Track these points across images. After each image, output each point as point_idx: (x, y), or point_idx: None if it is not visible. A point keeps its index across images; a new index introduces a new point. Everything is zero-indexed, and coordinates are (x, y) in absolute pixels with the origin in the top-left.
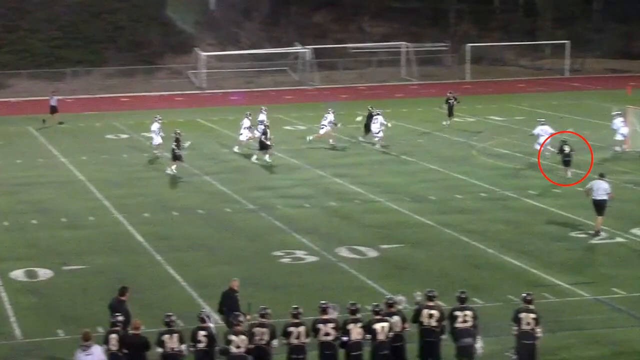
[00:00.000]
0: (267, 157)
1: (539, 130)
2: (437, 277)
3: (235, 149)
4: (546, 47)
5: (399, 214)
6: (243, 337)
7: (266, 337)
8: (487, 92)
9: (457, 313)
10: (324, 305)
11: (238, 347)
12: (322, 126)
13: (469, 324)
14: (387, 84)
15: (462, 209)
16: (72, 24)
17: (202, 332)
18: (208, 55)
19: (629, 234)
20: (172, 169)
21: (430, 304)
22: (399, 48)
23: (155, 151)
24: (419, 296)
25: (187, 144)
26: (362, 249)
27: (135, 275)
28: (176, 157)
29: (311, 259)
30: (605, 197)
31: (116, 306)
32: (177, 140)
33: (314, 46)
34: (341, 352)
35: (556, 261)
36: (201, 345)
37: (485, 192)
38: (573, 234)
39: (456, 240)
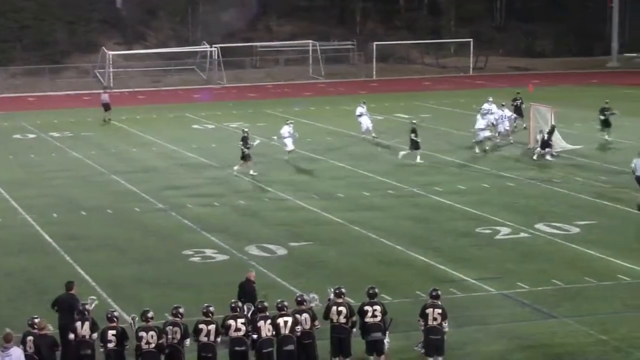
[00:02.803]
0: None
1: (359, 110)
2: (346, 274)
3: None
4: (450, 45)
5: (308, 212)
6: (153, 332)
7: (178, 336)
8: (393, 90)
9: (367, 308)
10: (233, 305)
11: (148, 343)
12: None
13: (378, 318)
14: (295, 82)
15: (370, 206)
16: None
17: (112, 332)
18: (115, 54)
19: (533, 229)
20: (240, 169)
21: (339, 300)
22: (307, 47)
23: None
24: (332, 293)
25: (255, 142)
26: (272, 247)
27: (45, 276)
28: (245, 157)
29: (221, 257)
30: None
31: (69, 301)
32: (244, 139)
33: (221, 45)
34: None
35: (463, 257)
36: (111, 345)
37: (393, 189)
38: (479, 229)
39: (364, 237)
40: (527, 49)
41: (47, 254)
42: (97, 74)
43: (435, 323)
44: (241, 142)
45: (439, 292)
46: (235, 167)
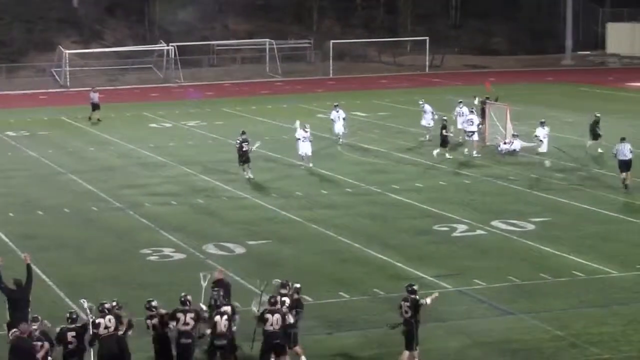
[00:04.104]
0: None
1: (332, 115)
2: (304, 272)
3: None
4: (407, 43)
5: (266, 210)
6: (110, 317)
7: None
8: (350, 88)
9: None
10: (182, 299)
11: (106, 327)
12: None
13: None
14: (252, 80)
15: (328, 205)
16: None
17: (71, 333)
18: (71, 53)
19: (489, 226)
20: (249, 172)
21: (283, 291)
22: (263, 45)
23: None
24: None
25: (256, 144)
26: (230, 245)
27: (1, 276)
28: (247, 159)
29: (179, 256)
30: (630, 157)
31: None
32: (247, 141)
33: (178, 43)
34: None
35: (420, 254)
36: (71, 346)
37: (351, 187)
38: (436, 227)
39: (323, 236)
40: (482, 47)
41: (4, 254)
42: (54, 73)
43: (407, 316)
44: (246, 143)
45: (414, 288)
46: (249, 173)
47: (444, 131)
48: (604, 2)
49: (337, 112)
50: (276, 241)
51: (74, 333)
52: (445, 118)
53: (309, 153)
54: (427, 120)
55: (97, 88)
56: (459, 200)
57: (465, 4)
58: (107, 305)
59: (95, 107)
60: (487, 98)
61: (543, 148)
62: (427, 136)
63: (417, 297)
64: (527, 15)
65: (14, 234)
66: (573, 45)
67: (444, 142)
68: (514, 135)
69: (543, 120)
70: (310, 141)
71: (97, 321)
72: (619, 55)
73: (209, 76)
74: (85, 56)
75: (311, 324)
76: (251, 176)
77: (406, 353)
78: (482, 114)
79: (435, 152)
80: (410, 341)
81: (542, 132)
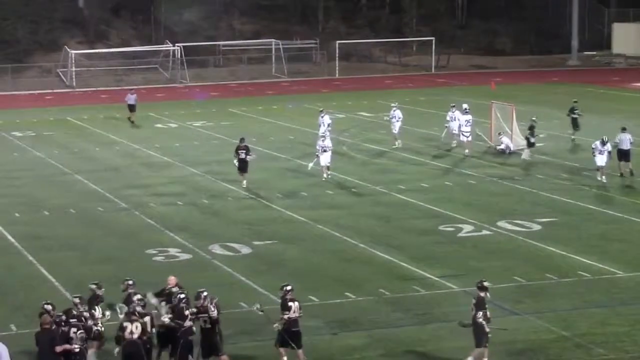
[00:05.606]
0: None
1: (322, 120)
2: (309, 272)
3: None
4: (412, 44)
5: (271, 210)
6: (137, 324)
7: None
8: (356, 88)
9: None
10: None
11: (132, 333)
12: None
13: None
14: (258, 81)
15: (333, 205)
16: None
17: (80, 331)
18: (77, 54)
19: (495, 226)
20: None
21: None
22: (269, 45)
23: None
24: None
25: (252, 156)
26: (235, 245)
27: (7, 276)
28: (245, 168)
29: (185, 256)
30: (629, 147)
31: None
32: (247, 148)
33: (184, 44)
34: None
35: (425, 254)
36: (77, 345)
37: (356, 187)
38: (442, 227)
39: (327, 236)
40: (488, 47)
41: (9, 254)
42: (60, 73)
43: (472, 313)
44: (243, 151)
45: (484, 284)
46: (244, 182)
47: (528, 133)
48: (609, 2)
49: (322, 117)
50: (281, 241)
51: (82, 331)
52: (534, 118)
53: (329, 163)
54: (397, 127)
55: (134, 89)
56: (465, 200)
57: (471, 4)
58: (138, 310)
59: (131, 108)
60: (575, 102)
61: (601, 161)
62: (396, 143)
63: (484, 294)
64: (533, 16)
65: (20, 234)
66: (579, 45)
67: (530, 143)
68: (499, 134)
69: (605, 138)
70: (331, 150)
71: (124, 324)
72: (625, 55)
73: (215, 76)
74: (91, 56)
75: (316, 324)
76: (245, 185)
77: (476, 350)
78: (575, 124)
79: (526, 152)
80: (477, 338)
81: (598, 147)
